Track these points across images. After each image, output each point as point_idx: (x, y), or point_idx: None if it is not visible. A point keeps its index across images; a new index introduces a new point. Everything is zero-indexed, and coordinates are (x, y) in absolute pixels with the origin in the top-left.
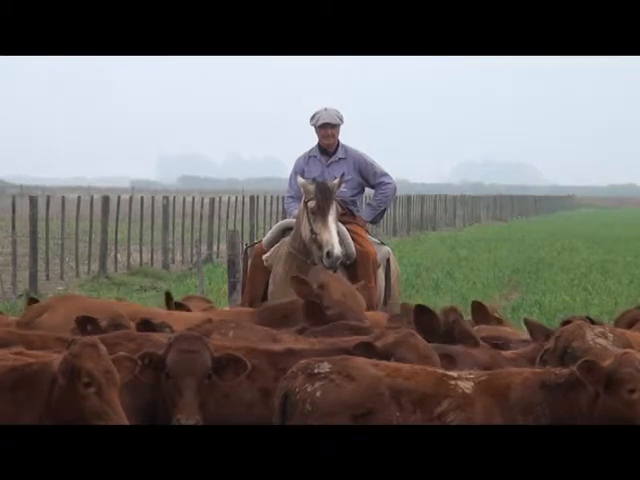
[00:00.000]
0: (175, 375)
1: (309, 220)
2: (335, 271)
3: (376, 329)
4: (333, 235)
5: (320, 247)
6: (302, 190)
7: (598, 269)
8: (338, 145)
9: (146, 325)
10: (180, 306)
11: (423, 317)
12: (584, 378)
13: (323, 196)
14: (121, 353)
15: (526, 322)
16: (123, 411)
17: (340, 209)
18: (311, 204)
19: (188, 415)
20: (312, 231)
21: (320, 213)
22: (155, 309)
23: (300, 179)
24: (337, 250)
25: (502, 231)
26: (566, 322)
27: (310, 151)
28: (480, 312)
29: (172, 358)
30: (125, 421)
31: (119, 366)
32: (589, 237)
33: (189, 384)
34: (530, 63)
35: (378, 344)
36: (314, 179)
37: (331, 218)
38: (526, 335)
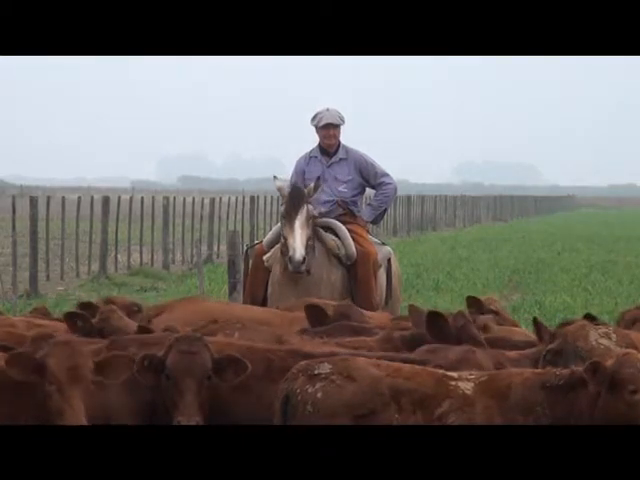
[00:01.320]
0: (175, 376)
1: (282, 225)
2: (307, 272)
3: (379, 330)
4: (297, 240)
5: (287, 252)
6: (279, 194)
7: (598, 269)
8: (339, 146)
9: (144, 330)
10: None
11: (435, 323)
12: (590, 380)
13: (292, 201)
14: (115, 352)
15: (535, 323)
16: (121, 409)
17: (341, 209)
18: (282, 209)
19: (189, 416)
20: (283, 236)
21: (287, 218)
22: (271, 313)
23: (278, 182)
24: (298, 255)
25: (502, 231)
26: (566, 324)
27: (311, 152)
28: (475, 306)
29: (172, 359)
30: (82, 420)
31: (113, 365)
32: (589, 237)
33: (189, 385)
34: (530, 63)
35: (442, 362)
36: (292, 183)
37: (297, 223)
38: (530, 332)
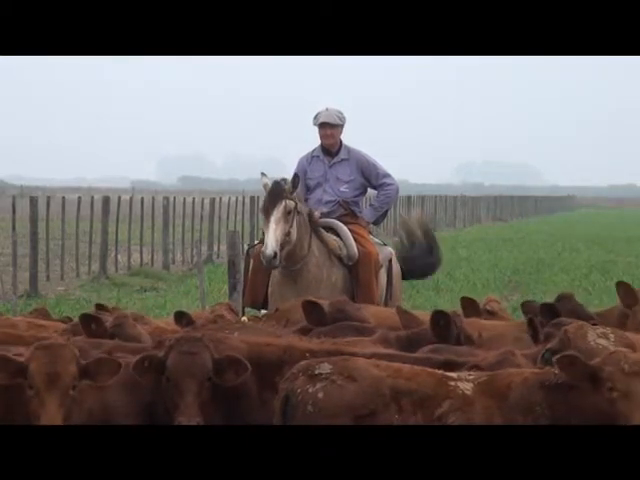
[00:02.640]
0: (175, 377)
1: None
2: (281, 269)
3: (380, 329)
4: (269, 236)
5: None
6: (264, 190)
7: (598, 270)
8: (341, 146)
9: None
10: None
11: (439, 322)
12: (564, 372)
13: (270, 197)
14: (101, 356)
15: (530, 323)
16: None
17: (342, 210)
18: (261, 205)
19: (189, 417)
20: (262, 231)
21: (265, 214)
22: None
23: (264, 179)
24: (269, 250)
25: (502, 231)
26: (559, 324)
27: (313, 151)
28: (470, 307)
29: (172, 360)
30: (57, 423)
31: (100, 368)
32: (589, 238)
33: (189, 386)
34: (530, 63)
35: (482, 364)
36: (274, 180)
37: (273, 219)
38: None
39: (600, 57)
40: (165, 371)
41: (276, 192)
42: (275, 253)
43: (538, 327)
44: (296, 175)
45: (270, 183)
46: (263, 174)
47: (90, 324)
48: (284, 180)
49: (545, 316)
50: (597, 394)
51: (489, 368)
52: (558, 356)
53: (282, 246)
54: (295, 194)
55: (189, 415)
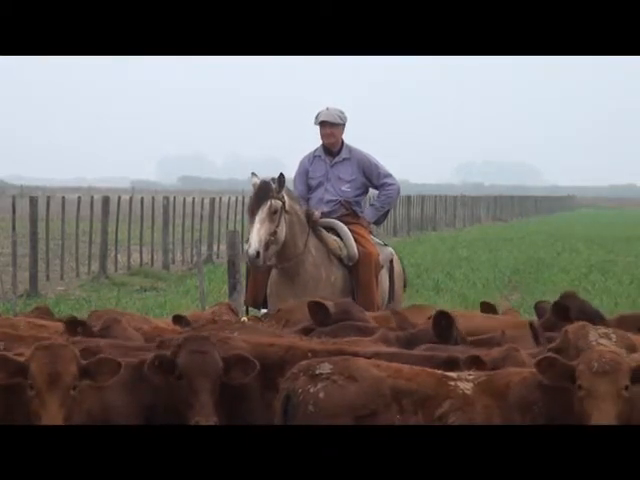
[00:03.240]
0: (190, 376)
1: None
2: (276, 268)
3: (382, 329)
4: (253, 235)
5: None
6: (253, 190)
7: (598, 269)
8: (342, 145)
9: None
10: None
11: (441, 322)
12: (543, 374)
13: (255, 197)
14: (101, 355)
15: (531, 327)
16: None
17: (344, 209)
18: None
19: (207, 417)
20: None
21: (250, 213)
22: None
23: (254, 179)
24: (251, 250)
25: (502, 231)
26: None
27: (315, 151)
28: (489, 312)
29: (184, 359)
30: (58, 423)
31: (100, 368)
32: (589, 238)
33: (204, 385)
34: (530, 63)
35: (486, 359)
36: (262, 180)
37: (258, 218)
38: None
39: (600, 57)
40: (176, 370)
41: (262, 192)
42: (258, 253)
43: (537, 331)
44: (281, 175)
45: (259, 182)
46: (253, 174)
47: (76, 328)
48: (273, 180)
49: (556, 315)
50: (572, 392)
51: (492, 363)
52: (537, 359)
53: (267, 245)
54: (284, 193)
55: (206, 415)
